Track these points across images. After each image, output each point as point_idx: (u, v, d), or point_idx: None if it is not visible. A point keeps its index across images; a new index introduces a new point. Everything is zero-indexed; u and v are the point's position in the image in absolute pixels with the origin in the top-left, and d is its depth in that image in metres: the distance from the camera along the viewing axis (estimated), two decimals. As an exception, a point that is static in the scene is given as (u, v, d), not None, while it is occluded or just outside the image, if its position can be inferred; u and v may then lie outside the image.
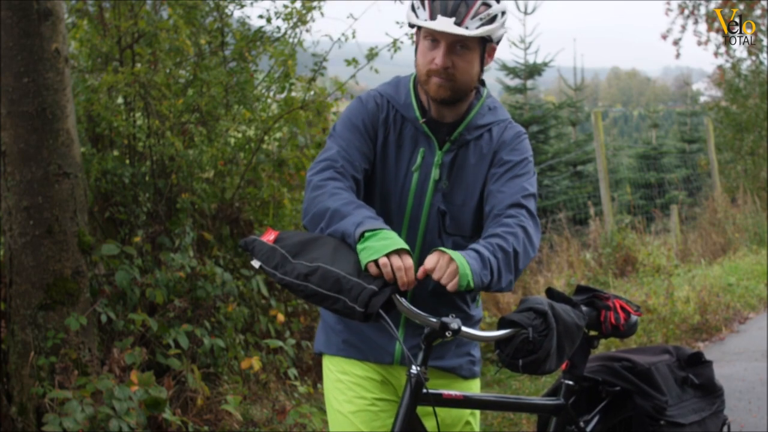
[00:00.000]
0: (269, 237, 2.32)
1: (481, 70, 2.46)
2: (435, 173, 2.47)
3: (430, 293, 2.48)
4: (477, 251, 2.26)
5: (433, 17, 2.35)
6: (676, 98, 49.59)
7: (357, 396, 2.55)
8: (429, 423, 2.44)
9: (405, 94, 2.53)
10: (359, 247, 2.21)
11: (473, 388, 2.65)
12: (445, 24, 2.33)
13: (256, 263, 2.32)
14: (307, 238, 2.30)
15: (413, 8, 2.40)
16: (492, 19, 2.37)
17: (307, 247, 2.27)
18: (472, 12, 2.34)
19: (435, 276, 2.18)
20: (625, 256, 8.87)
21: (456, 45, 2.38)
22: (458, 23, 2.33)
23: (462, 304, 2.58)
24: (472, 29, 2.34)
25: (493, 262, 2.26)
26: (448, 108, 2.48)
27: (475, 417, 2.65)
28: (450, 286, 2.17)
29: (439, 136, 2.49)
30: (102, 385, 3.88)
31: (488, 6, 2.37)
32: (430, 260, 2.20)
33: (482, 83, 2.58)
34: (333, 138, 2.49)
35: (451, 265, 2.19)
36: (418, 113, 2.50)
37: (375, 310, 2.15)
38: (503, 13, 2.41)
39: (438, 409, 2.40)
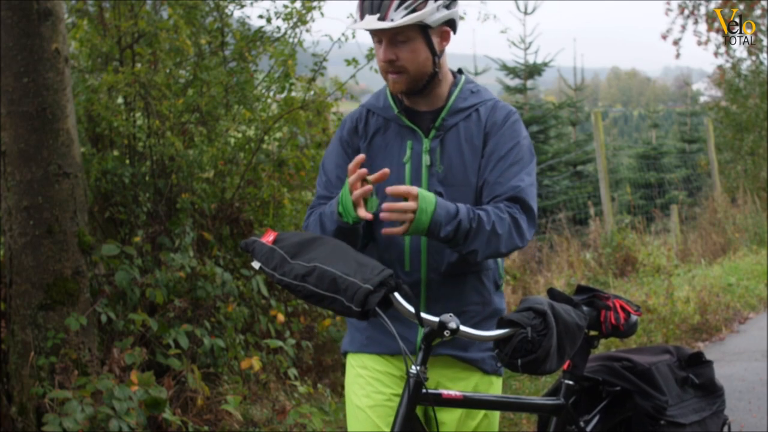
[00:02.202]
0: (269, 238, 2.35)
1: (434, 56, 2.49)
2: (426, 159, 2.53)
3: (443, 275, 2.51)
4: (456, 207, 2.35)
5: (362, 17, 2.43)
6: (676, 98, 49.59)
7: (375, 391, 2.57)
8: (444, 416, 2.51)
9: (383, 98, 2.61)
10: (340, 210, 2.40)
11: (495, 384, 2.64)
12: (369, 22, 2.41)
13: (256, 264, 2.35)
14: (305, 239, 2.33)
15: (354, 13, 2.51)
16: (423, 4, 2.40)
17: (306, 248, 2.30)
18: (395, 3, 2.39)
19: (388, 208, 2.28)
20: (625, 256, 8.88)
21: (396, 38, 2.44)
22: (382, 18, 2.39)
23: (482, 288, 2.57)
24: (397, 20, 2.39)
25: (464, 224, 2.34)
26: (420, 97, 2.55)
27: (493, 411, 2.64)
28: (396, 228, 2.31)
29: (424, 125, 2.55)
30: (102, 385, 3.88)
31: None
32: (401, 191, 2.30)
33: (459, 71, 2.65)
34: (318, 177, 2.64)
35: (410, 205, 2.30)
36: (396, 110, 2.57)
37: (371, 308, 2.17)
38: None
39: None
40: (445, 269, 2.51)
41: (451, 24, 2.51)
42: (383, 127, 2.58)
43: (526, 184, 2.47)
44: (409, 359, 2.27)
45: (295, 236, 2.35)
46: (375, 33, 2.45)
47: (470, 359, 2.57)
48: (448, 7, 2.46)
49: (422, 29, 2.44)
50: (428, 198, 2.31)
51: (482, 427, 2.61)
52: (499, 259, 2.61)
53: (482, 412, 2.59)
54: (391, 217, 2.29)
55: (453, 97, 2.55)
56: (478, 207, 2.43)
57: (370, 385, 2.58)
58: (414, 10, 2.39)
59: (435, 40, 2.47)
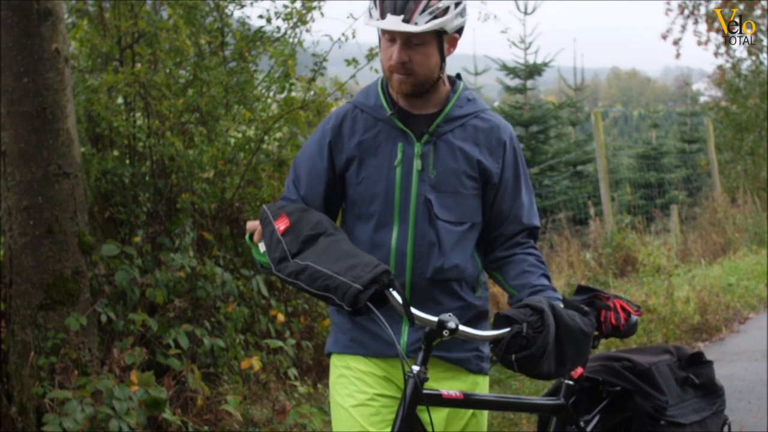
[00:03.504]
0: (281, 226, 2.36)
1: (442, 61, 2.50)
2: (417, 164, 2.52)
3: (428, 280, 2.51)
4: (548, 278, 2.58)
5: (383, 16, 2.40)
6: (676, 98, 49.59)
7: (358, 390, 2.56)
8: (436, 415, 2.49)
9: (374, 97, 2.58)
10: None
11: (480, 383, 2.64)
12: (393, 23, 2.39)
13: (262, 247, 2.38)
14: (310, 235, 2.34)
15: (369, 8, 2.46)
16: (444, 12, 2.40)
17: (307, 246, 2.32)
18: (421, 7, 2.38)
19: None
20: (625, 256, 8.87)
21: (411, 40, 2.42)
22: (406, 20, 2.38)
23: (462, 293, 2.58)
24: (421, 25, 2.38)
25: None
26: (417, 100, 2.54)
27: (481, 411, 2.64)
28: None
29: (416, 129, 2.54)
30: (102, 385, 3.88)
31: None
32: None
33: (458, 77, 2.64)
34: (289, 175, 2.63)
35: None
36: (388, 110, 2.55)
37: (362, 305, 2.18)
38: (457, 3, 2.44)
39: None
40: (431, 274, 2.51)
41: (461, 31, 2.52)
42: (373, 126, 2.56)
43: (534, 214, 2.66)
44: (405, 363, 2.26)
45: (305, 228, 2.35)
46: (392, 33, 2.43)
47: (454, 359, 2.58)
48: (462, 14, 2.47)
49: (438, 35, 2.44)
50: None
51: (470, 427, 2.61)
52: (480, 266, 2.62)
53: (470, 412, 2.60)
54: None
55: (450, 104, 2.55)
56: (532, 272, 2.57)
57: (353, 384, 2.57)
58: (437, 17, 2.39)
59: (445, 46, 2.48)
